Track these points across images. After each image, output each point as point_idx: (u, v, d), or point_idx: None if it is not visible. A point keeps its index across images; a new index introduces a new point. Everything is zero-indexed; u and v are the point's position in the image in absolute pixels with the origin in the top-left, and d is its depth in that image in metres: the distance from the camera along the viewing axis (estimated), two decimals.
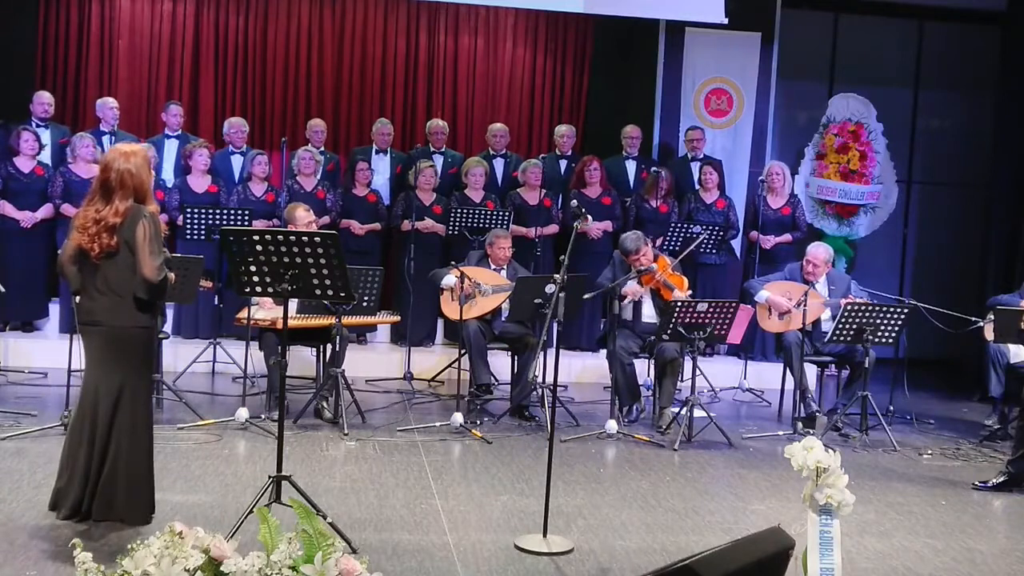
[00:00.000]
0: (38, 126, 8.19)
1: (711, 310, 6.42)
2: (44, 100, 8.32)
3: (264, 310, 6.46)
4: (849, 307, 6.60)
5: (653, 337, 6.79)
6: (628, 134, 9.17)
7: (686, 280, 7.01)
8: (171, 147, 8.60)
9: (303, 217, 6.70)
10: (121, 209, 4.15)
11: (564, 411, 6.83)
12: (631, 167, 9.17)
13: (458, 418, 6.34)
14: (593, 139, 9.97)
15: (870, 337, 6.56)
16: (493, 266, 7.16)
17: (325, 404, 6.48)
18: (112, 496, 4.21)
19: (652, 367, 7.18)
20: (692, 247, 7.24)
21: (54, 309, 8.18)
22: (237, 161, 8.69)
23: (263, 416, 6.28)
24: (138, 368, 4.31)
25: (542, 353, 6.38)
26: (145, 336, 4.31)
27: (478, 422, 6.61)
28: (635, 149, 9.20)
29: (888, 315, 6.60)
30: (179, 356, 7.70)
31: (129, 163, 4.19)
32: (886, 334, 6.65)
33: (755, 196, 8.95)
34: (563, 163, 9.16)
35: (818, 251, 7.20)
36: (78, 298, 4.30)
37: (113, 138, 8.43)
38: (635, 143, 9.19)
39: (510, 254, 7.20)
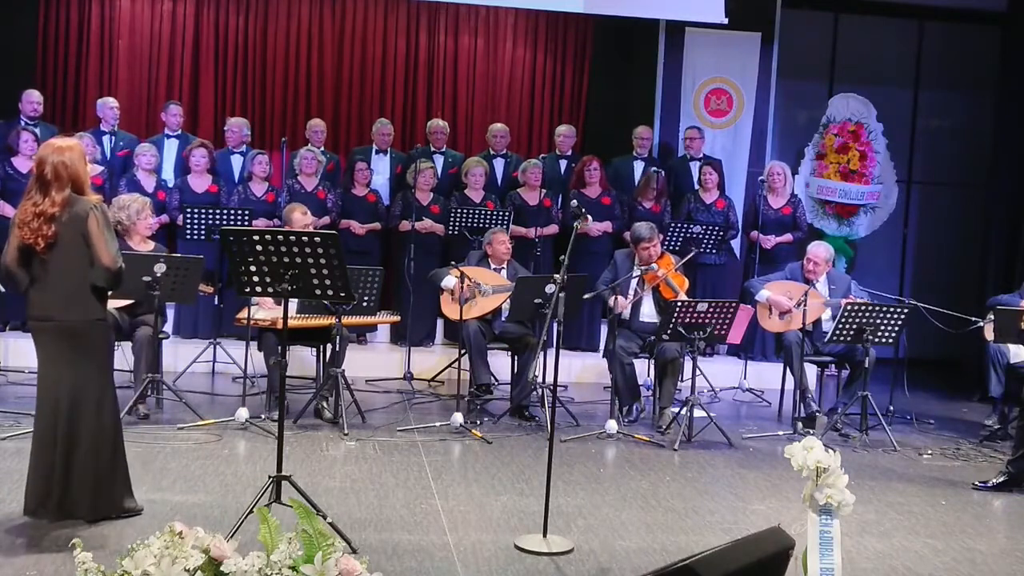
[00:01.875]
0: (27, 125, 8.18)
1: (711, 310, 6.41)
2: (33, 99, 8.31)
3: (264, 310, 6.46)
4: (849, 307, 6.60)
5: (653, 337, 6.79)
6: (639, 135, 9.17)
7: (687, 282, 7.00)
8: (171, 147, 8.60)
9: (300, 220, 6.70)
10: (58, 200, 4.16)
11: (564, 411, 6.83)
12: (639, 167, 9.17)
13: (458, 418, 6.34)
14: (593, 139, 9.97)
15: (870, 337, 6.56)
16: (493, 265, 7.16)
17: (325, 404, 6.48)
18: (82, 495, 4.22)
19: (652, 367, 7.18)
20: (690, 256, 7.22)
21: None
22: (237, 161, 8.69)
23: (263, 416, 6.28)
24: (98, 362, 4.31)
25: (542, 353, 6.38)
26: (100, 329, 4.31)
27: (478, 422, 6.61)
28: (645, 150, 9.21)
29: (888, 315, 6.60)
30: (179, 356, 7.70)
31: (63, 156, 4.20)
32: (886, 334, 6.65)
33: (755, 196, 8.94)
34: (563, 163, 9.17)
35: (818, 250, 7.20)
36: (28, 295, 4.28)
37: (113, 138, 8.45)
38: (646, 144, 9.19)
39: (510, 250, 7.19)
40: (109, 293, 4.36)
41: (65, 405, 4.21)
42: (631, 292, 7.01)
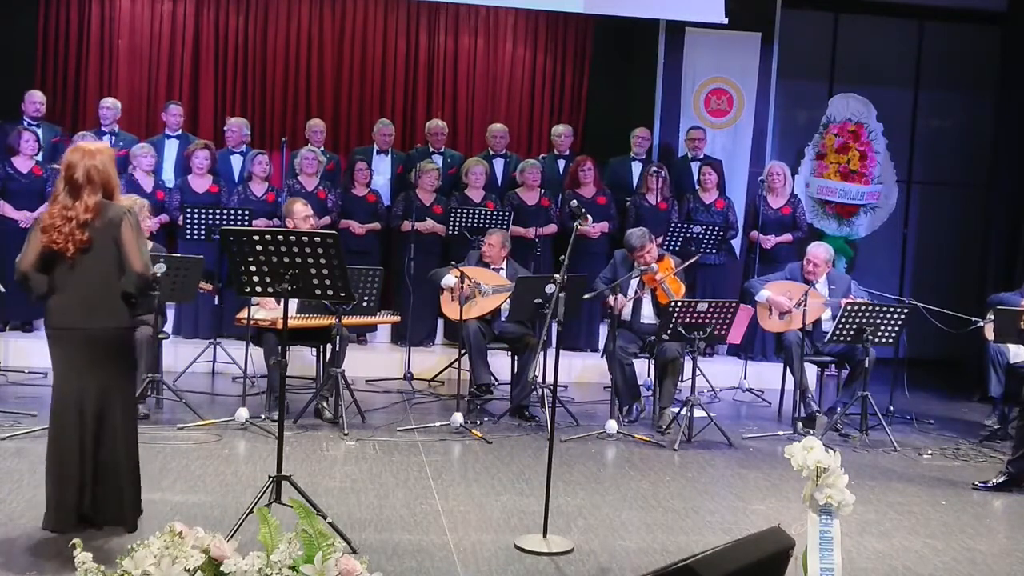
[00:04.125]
0: (29, 125, 8.17)
1: (711, 310, 6.41)
2: (36, 99, 8.30)
3: (264, 310, 6.46)
4: (849, 307, 6.60)
5: (653, 337, 6.79)
6: (637, 135, 9.18)
7: (683, 287, 6.99)
8: (171, 147, 8.60)
9: (301, 211, 6.70)
10: (90, 204, 4.05)
11: (564, 411, 6.83)
12: (636, 168, 9.17)
13: (458, 418, 6.34)
14: (593, 139, 9.98)
15: (870, 337, 6.56)
16: (492, 265, 7.16)
17: (325, 404, 6.48)
18: (117, 504, 4.12)
19: (652, 367, 7.18)
20: (692, 261, 7.23)
21: None
22: (237, 161, 8.69)
23: (263, 416, 6.28)
24: (122, 370, 4.21)
25: (542, 353, 6.38)
26: (126, 336, 4.23)
27: (478, 422, 6.61)
28: (643, 151, 9.21)
29: (888, 315, 6.61)
30: (179, 356, 7.70)
31: (94, 160, 4.11)
32: (886, 334, 6.65)
33: (755, 196, 8.95)
34: (561, 163, 9.17)
35: (819, 251, 7.20)
36: (49, 300, 4.14)
37: (113, 138, 8.44)
38: (644, 144, 9.20)
39: (500, 252, 7.14)
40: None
41: (91, 416, 4.07)
42: (631, 292, 7.01)
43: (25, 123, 8.18)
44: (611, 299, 6.79)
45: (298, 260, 4.22)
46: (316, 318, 6.48)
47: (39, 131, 8.18)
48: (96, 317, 4.08)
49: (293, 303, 6.25)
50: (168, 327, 7.51)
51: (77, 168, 4.09)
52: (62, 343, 4.13)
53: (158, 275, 4.23)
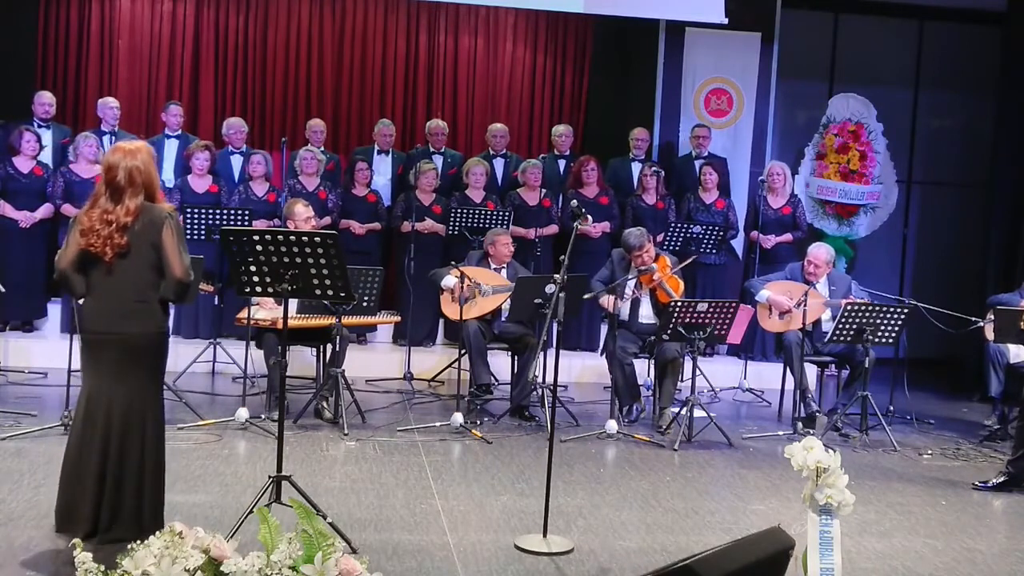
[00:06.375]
0: (39, 126, 8.19)
1: (711, 310, 6.41)
2: (45, 100, 8.31)
3: (264, 310, 6.46)
4: (849, 307, 6.60)
5: (653, 337, 6.79)
6: (636, 136, 9.18)
7: (682, 284, 7.00)
8: (171, 147, 8.59)
9: (302, 213, 6.70)
10: (132, 207, 3.95)
11: (564, 411, 6.83)
12: (636, 168, 9.17)
13: (458, 418, 6.34)
14: (593, 139, 9.97)
15: (870, 337, 6.56)
16: (493, 266, 7.16)
17: (325, 404, 6.48)
18: (139, 516, 4.00)
19: (652, 367, 7.18)
20: (690, 260, 7.22)
21: (53, 309, 8.18)
22: (237, 161, 8.69)
23: (263, 416, 6.28)
24: (154, 376, 4.13)
25: (542, 353, 6.37)
26: (162, 341, 4.13)
27: (478, 422, 6.61)
28: (642, 152, 9.22)
29: (888, 315, 6.61)
30: (179, 356, 7.67)
31: (136, 160, 4.00)
32: (886, 334, 6.65)
33: (755, 196, 8.95)
34: (562, 163, 9.17)
35: (820, 252, 7.20)
36: (82, 303, 4.07)
37: (113, 138, 8.44)
38: (643, 145, 9.20)
39: (512, 251, 7.19)
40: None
41: (118, 423, 3.98)
42: (629, 292, 7.01)
43: (36, 124, 8.20)
44: (604, 300, 6.78)
45: (298, 260, 4.22)
46: (316, 318, 6.48)
47: (49, 132, 8.19)
48: (131, 322, 4.00)
49: (293, 303, 6.25)
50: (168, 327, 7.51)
51: (118, 169, 3.99)
52: (95, 348, 4.05)
53: (193, 278, 4.12)
